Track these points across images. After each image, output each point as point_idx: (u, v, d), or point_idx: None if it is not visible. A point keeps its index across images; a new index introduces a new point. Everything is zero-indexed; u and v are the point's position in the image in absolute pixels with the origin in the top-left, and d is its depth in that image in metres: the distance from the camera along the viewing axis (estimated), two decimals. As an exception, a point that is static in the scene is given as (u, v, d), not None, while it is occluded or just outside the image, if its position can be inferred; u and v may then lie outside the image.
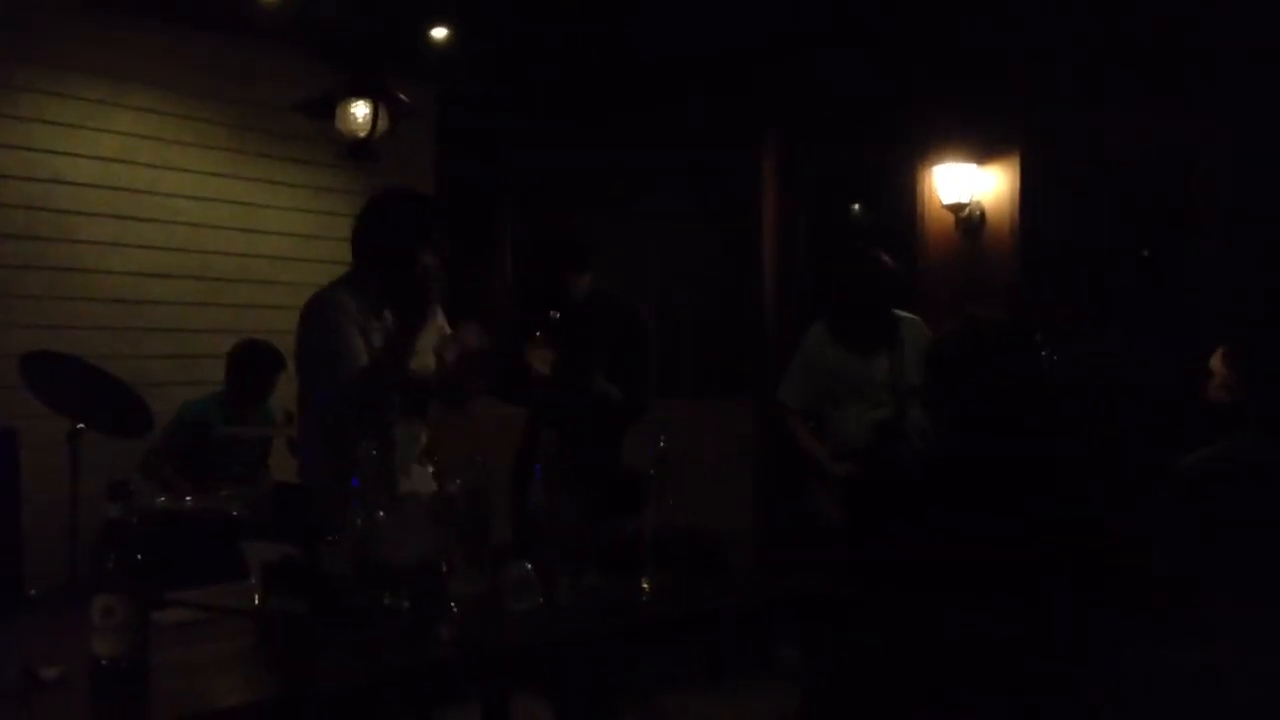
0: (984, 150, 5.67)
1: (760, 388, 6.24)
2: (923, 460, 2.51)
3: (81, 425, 4.28)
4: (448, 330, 3.29)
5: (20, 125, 5.21)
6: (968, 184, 5.70)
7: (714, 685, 4.71)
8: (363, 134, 5.13)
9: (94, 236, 5.46)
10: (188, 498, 4.54)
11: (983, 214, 5.72)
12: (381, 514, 2.27)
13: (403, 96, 5.21)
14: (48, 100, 5.30)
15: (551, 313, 3.69)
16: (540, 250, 4.13)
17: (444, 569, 2.28)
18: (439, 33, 5.62)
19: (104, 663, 1.81)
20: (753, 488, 6.29)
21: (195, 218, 5.82)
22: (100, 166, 5.47)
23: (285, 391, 5.45)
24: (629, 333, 3.95)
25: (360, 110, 5.11)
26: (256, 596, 2.22)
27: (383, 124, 5.15)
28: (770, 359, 6.23)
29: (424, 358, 3.15)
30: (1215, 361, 3.01)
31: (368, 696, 2.06)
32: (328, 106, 5.20)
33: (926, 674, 2.27)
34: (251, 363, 5.04)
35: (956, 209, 5.73)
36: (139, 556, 1.85)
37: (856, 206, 6.57)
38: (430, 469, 3.01)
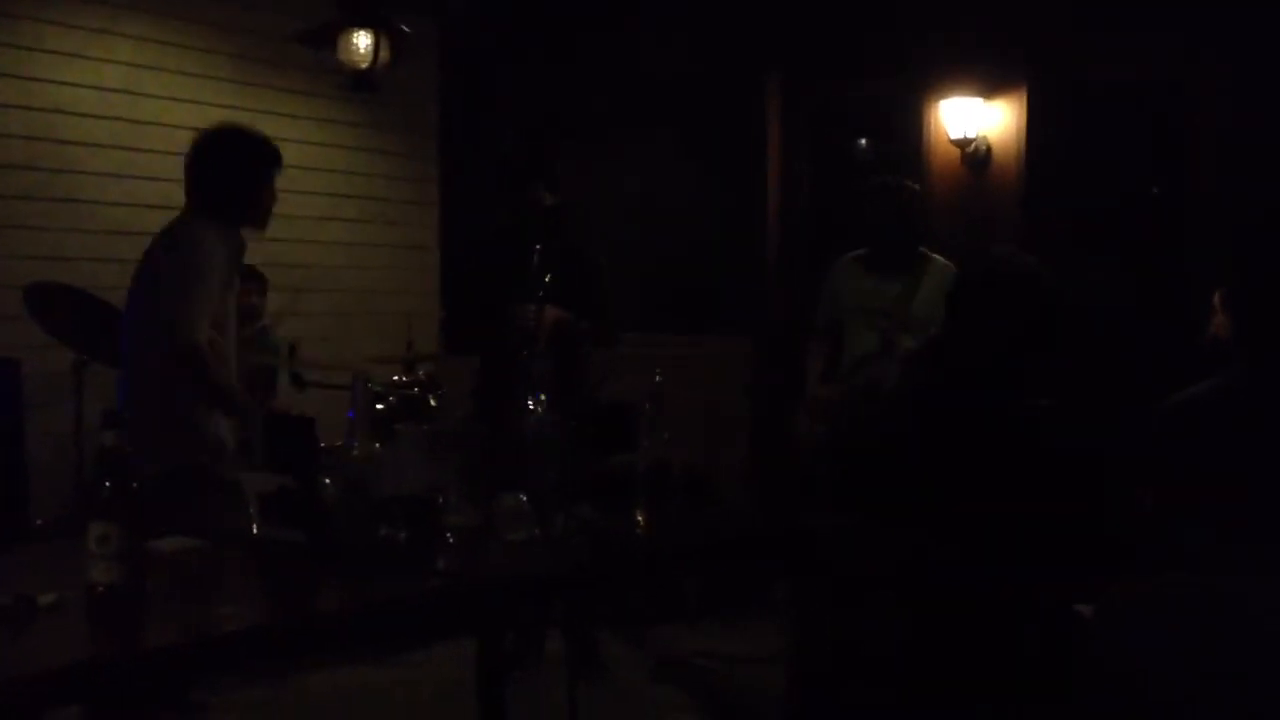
0: (990, 85, 5.61)
1: (760, 325, 6.23)
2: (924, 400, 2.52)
3: (85, 356, 4.30)
4: None
5: (20, 54, 5.17)
6: (974, 119, 5.65)
7: (708, 621, 4.78)
8: (364, 65, 5.09)
9: (96, 168, 5.43)
10: None
11: (989, 149, 5.68)
12: (378, 446, 2.29)
13: (404, 28, 5.16)
14: (48, 28, 5.25)
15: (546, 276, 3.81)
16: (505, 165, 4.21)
17: (440, 500, 2.31)
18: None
19: (100, 589, 1.83)
20: (750, 425, 6.30)
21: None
22: (101, 96, 5.43)
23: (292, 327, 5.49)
24: (583, 271, 4.01)
25: (362, 41, 5.06)
26: (254, 526, 2.25)
27: (384, 55, 5.11)
28: (771, 296, 6.21)
29: None
30: (1218, 299, 2.99)
31: (362, 624, 2.10)
32: (329, 37, 5.15)
33: (915, 618, 2.30)
34: None
35: (963, 144, 5.69)
36: (134, 484, 1.87)
37: (862, 141, 6.52)
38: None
